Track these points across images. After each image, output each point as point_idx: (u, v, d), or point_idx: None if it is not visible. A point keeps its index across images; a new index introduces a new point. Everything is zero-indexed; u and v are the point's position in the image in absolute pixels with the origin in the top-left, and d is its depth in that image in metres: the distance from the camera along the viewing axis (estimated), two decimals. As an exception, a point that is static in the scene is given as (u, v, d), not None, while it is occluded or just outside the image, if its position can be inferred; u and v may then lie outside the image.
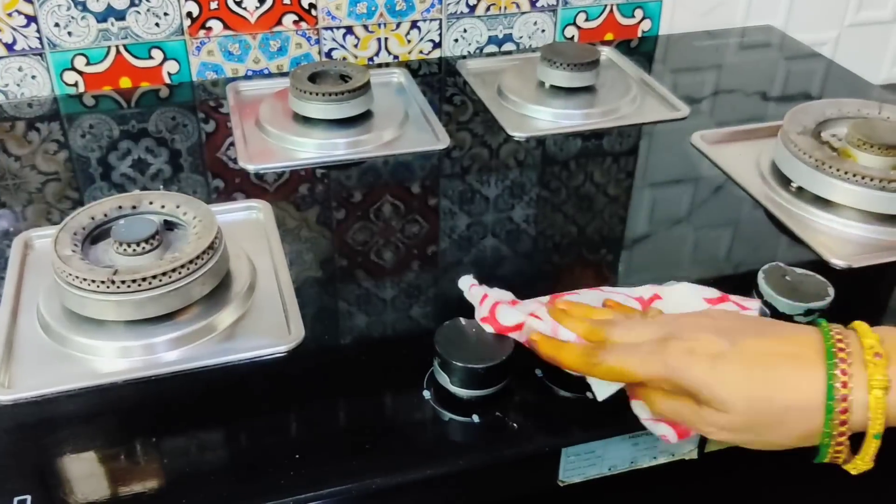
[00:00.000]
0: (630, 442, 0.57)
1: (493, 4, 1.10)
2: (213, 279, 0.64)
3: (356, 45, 1.08)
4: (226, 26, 1.02)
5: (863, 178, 0.76)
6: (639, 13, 1.17)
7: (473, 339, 0.57)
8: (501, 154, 0.90)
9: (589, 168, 0.88)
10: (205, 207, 0.68)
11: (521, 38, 1.14)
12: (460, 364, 0.55)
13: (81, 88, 1.01)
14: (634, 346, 0.50)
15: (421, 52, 1.11)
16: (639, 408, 0.54)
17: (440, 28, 1.10)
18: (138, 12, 0.99)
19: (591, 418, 0.57)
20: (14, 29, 0.96)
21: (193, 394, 0.59)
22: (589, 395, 0.56)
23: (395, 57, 1.10)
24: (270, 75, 1.06)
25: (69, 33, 0.98)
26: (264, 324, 0.65)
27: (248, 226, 0.77)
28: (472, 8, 1.10)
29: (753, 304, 0.58)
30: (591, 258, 0.74)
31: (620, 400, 0.58)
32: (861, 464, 0.47)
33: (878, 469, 0.73)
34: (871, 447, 0.46)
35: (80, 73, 1.00)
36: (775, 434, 0.47)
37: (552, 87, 0.99)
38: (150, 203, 0.69)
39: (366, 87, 0.92)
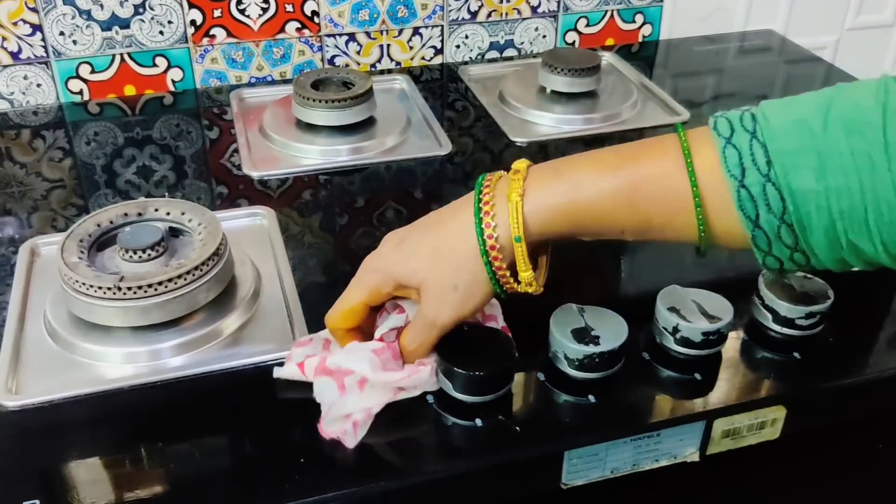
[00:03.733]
0: (632, 444, 0.58)
1: (495, 11, 1.11)
2: (218, 285, 0.65)
3: (359, 52, 1.09)
4: (229, 34, 1.03)
5: (862, 181, 0.76)
6: (639, 18, 1.17)
7: (475, 344, 0.57)
8: (503, 159, 0.90)
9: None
10: (210, 214, 0.68)
11: (522, 43, 1.15)
12: (462, 371, 0.55)
13: (86, 96, 1.02)
14: (351, 283, 0.58)
15: (423, 58, 1.12)
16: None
17: (442, 34, 1.11)
18: (142, 21, 1.00)
19: (593, 421, 0.58)
20: (19, 38, 0.97)
21: (199, 399, 0.59)
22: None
23: (398, 63, 1.11)
24: (274, 82, 1.07)
25: (74, 42, 0.99)
26: (269, 329, 0.65)
27: (252, 232, 0.77)
28: (474, 14, 1.10)
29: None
30: (593, 262, 0.75)
31: (622, 403, 0.59)
32: (523, 275, 0.54)
33: (881, 472, 0.74)
34: (519, 252, 0.52)
35: (84, 81, 1.01)
36: (460, 287, 0.54)
37: (553, 92, 1.00)
38: (156, 210, 0.69)
39: (368, 94, 0.93)
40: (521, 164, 0.54)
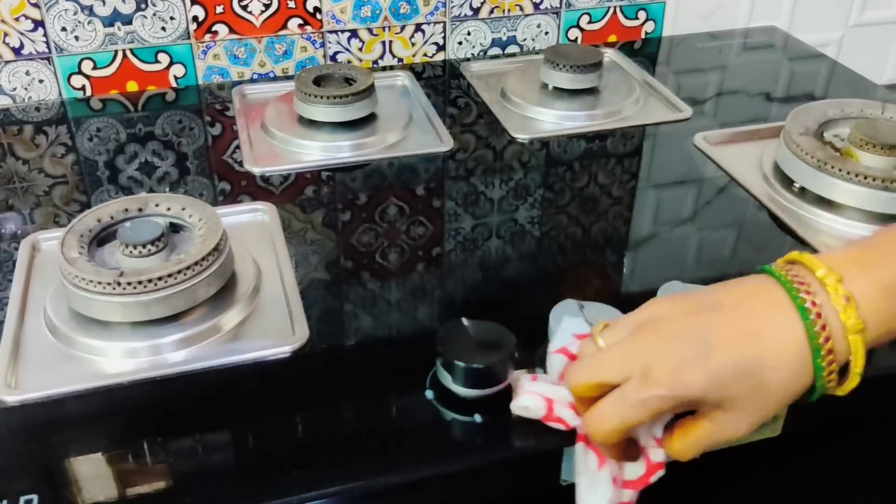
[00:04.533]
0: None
1: (497, 7, 1.11)
2: (219, 281, 0.65)
3: (361, 49, 1.09)
4: (231, 30, 1.03)
5: (865, 178, 0.76)
6: (642, 15, 1.17)
7: (475, 338, 0.57)
8: (505, 156, 0.90)
9: (592, 169, 0.88)
10: (210, 210, 0.68)
11: (524, 40, 1.14)
12: (462, 363, 0.55)
13: (89, 92, 1.02)
14: (622, 397, 0.48)
15: (425, 54, 1.11)
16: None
17: (444, 31, 1.10)
18: (145, 17, 1.00)
19: (593, 418, 0.58)
20: (21, 33, 0.97)
21: (199, 394, 0.60)
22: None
23: (400, 60, 1.11)
24: (276, 78, 1.07)
25: (76, 38, 0.99)
26: (269, 325, 0.65)
27: (253, 228, 0.77)
28: (476, 11, 1.10)
29: None
30: (595, 259, 0.75)
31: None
32: (849, 386, 0.48)
33: (884, 468, 0.73)
34: (854, 381, 0.47)
35: (87, 77, 1.01)
36: (781, 402, 0.47)
37: (555, 88, 1.00)
38: (156, 205, 0.69)
39: (370, 90, 0.93)
40: (822, 266, 0.47)
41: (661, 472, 0.53)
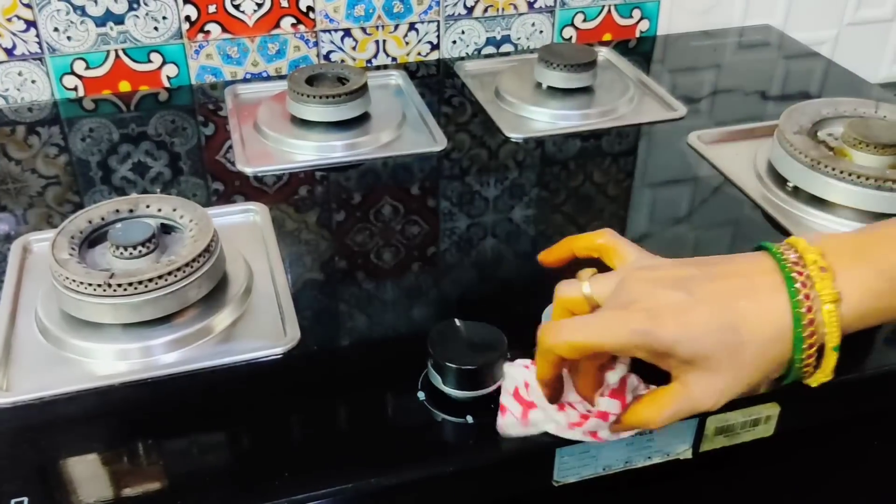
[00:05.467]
0: (624, 442, 0.58)
1: (491, 6, 1.10)
2: (210, 282, 0.65)
3: (354, 48, 1.08)
4: (224, 30, 1.03)
5: (858, 177, 0.76)
6: (637, 13, 1.17)
7: (467, 339, 0.57)
8: (499, 155, 0.90)
9: (587, 169, 0.88)
10: (201, 210, 0.68)
11: (519, 39, 1.14)
12: (453, 365, 0.55)
13: (81, 92, 1.02)
14: (594, 317, 0.48)
15: (419, 53, 1.11)
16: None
17: (438, 30, 1.10)
18: (137, 16, 0.99)
19: (586, 418, 0.58)
20: (14, 34, 0.97)
21: (190, 396, 0.59)
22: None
23: (393, 59, 1.11)
24: (269, 78, 1.07)
25: (68, 38, 0.98)
26: (260, 326, 0.65)
27: (245, 228, 0.77)
28: (470, 9, 1.10)
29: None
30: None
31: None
32: (822, 376, 0.48)
33: (875, 469, 0.73)
34: (831, 360, 0.46)
35: (79, 77, 1.01)
36: (754, 373, 0.47)
37: (550, 88, 1.00)
38: (147, 206, 0.69)
39: (363, 90, 0.93)
40: (813, 251, 0.46)
41: (599, 423, 0.52)
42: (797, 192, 0.80)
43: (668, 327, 0.46)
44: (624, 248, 0.53)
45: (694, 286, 0.47)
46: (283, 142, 0.91)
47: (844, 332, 0.46)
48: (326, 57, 1.08)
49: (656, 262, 0.51)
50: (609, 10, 1.16)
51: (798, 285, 0.46)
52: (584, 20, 1.16)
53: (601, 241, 0.54)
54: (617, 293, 0.48)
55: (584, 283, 0.50)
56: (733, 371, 0.46)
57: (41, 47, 0.98)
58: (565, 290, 0.51)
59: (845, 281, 0.46)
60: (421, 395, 0.58)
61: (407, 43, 1.10)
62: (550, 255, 0.56)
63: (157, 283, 0.61)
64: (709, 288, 0.47)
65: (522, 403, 0.53)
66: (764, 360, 0.46)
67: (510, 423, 0.54)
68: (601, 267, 0.53)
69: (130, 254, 0.64)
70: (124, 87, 1.03)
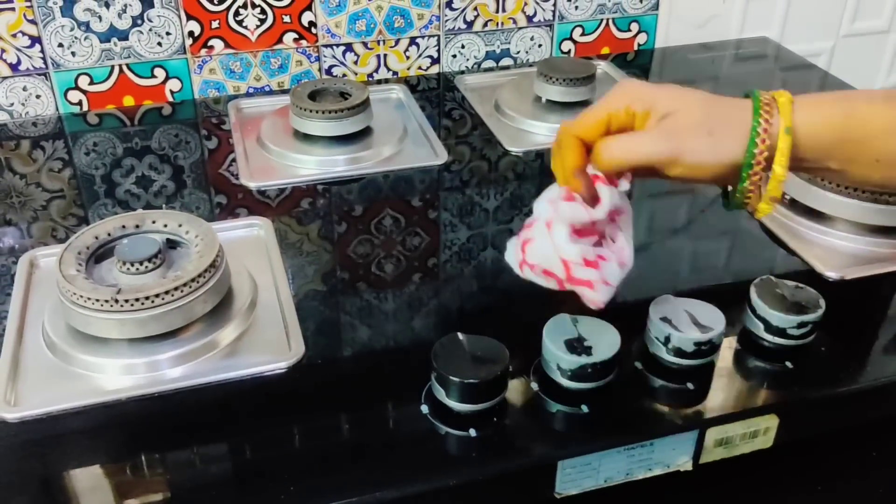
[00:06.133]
0: (625, 454, 0.58)
1: (491, 20, 1.12)
2: (215, 297, 0.65)
3: (356, 62, 1.09)
4: (227, 45, 1.04)
5: (855, 190, 0.77)
6: (634, 27, 1.18)
7: (470, 353, 0.58)
8: (499, 168, 0.91)
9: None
10: (206, 226, 0.69)
11: (518, 53, 1.15)
12: (456, 379, 0.56)
13: (85, 107, 1.03)
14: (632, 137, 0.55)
15: (419, 67, 1.12)
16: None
17: (438, 44, 1.11)
18: (141, 32, 1.00)
19: (587, 431, 0.58)
20: (18, 49, 0.98)
21: (196, 410, 0.60)
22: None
23: (394, 73, 1.12)
24: (272, 92, 1.08)
25: (73, 53, 0.99)
26: (265, 340, 0.66)
27: (249, 242, 0.78)
28: (470, 24, 1.11)
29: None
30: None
31: (615, 413, 0.59)
32: (765, 206, 0.54)
33: (874, 481, 0.74)
34: (783, 144, 0.52)
35: (83, 92, 1.02)
36: (718, 128, 0.53)
37: (549, 101, 1.01)
38: (153, 222, 0.70)
39: (365, 104, 0.94)
40: (785, 95, 0.54)
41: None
42: (794, 205, 0.81)
43: (650, 87, 0.55)
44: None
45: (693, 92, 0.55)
46: (286, 156, 0.91)
47: (796, 155, 0.52)
48: (328, 71, 1.09)
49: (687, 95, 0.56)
50: (607, 24, 1.17)
51: (762, 107, 0.53)
52: (583, 34, 1.17)
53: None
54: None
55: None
56: (697, 123, 0.53)
57: (45, 63, 0.99)
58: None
59: (803, 110, 0.52)
60: (424, 408, 0.59)
61: (408, 57, 1.11)
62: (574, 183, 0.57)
63: (163, 299, 0.62)
64: (702, 94, 0.55)
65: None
66: (724, 129, 0.53)
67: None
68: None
69: (137, 269, 0.65)
70: (128, 101, 1.04)
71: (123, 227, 0.69)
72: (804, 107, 0.53)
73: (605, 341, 0.59)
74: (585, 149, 0.56)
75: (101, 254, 0.68)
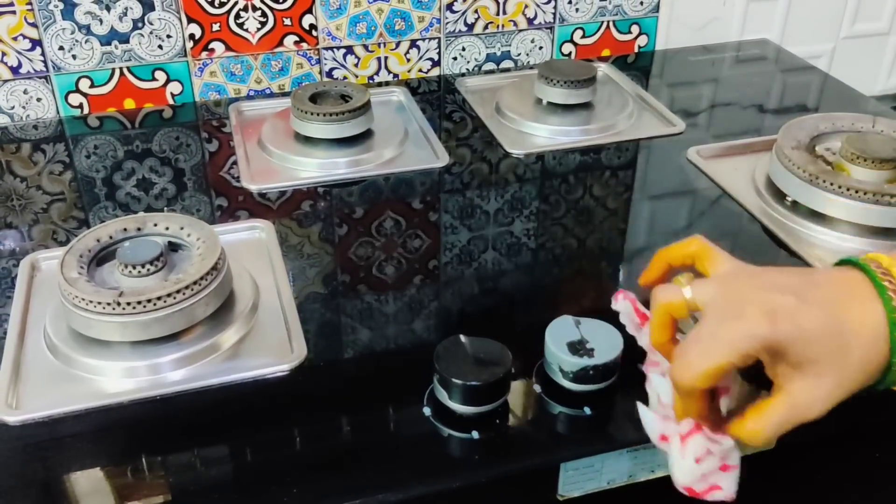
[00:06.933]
0: (628, 456, 0.58)
1: (491, 23, 1.12)
2: (217, 299, 0.65)
3: (356, 65, 1.09)
4: (228, 47, 1.04)
5: (856, 192, 0.77)
6: (635, 29, 1.18)
7: (472, 355, 0.58)
8: (500, 170, 0.91)
9: (586, 184, 0.89)
10: (208, 229, 0.69)
11: (518, 55, 1.15)
12: (459, 381, 0.56)
13: (86, 110, 1.03)
14: (712, 337, 0.48)
15: (420, 70, 1.12)
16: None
17: (439, 46, 1.11)
18: (141, 35, 1.00)
19: (590, 433, 0.58)
20: (19, 52, 0.98)
21: (198, 413, 0.60)
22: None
23: (395, 76, 1.12)
24: (272, 95, 1.08)
25: (73, 56, 0.99)
26: (267, 343, 0.66)
27: (251, 245, 0.78)
28: (471, 26, 1.11)
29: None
30: (589, 274, 0.75)
31: (617, 415, 0.59)
32: None
33: (878, 481, 0.74)
34: None
35: (84, 95, 1.02)
36: (856, 377, 0.47)
37: (549, 103, 1.01)
38: (155, 225, 0.70)
39: (366, 107, 0.94)
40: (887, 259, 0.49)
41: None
42: (796, 207, 0.81)
43: (785, 327, 0.46)
44: (717, 253, 0.54)
45: (802, 291, 0.48)
46: (287, 158, 0.91)
47: None
48: (329, 74, 1.09)
49: (757, 269, 0.51)
50: (608, 26, 1.17)
51: (890, 293, 0.47)
52: (583, 36, 1.17)
53: (694, 247, 0.55)
54: (725, 300, 0.49)
55: (686, 288, 0.50)
56: (838, 375, 0.47)
57: (46, 66, 0.99)
58: (667, 295, 0.51)
59: None
60: (426, 410, 0.59)
61: (408, 60, 1.11)
62: (650, 276, 0.56)
63: (165, 301, 0.62)
64: (816, 293, 0.48)
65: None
66: (866, 363, 0.47)
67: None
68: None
69: (139, 272, 0.64)
70: (129, 104, 1.04)
71: (125, 229, 0.69)
72: None
73: (608, 343, 0.59)
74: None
75: (102, 257, 0.68)
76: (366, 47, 1.09)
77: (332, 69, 1.09)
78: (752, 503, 0.71)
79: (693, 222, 0.83)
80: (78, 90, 1.02)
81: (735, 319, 0.47)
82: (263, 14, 1.03)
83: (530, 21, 1.13)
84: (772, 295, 0.48)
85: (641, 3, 1.16)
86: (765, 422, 0.48)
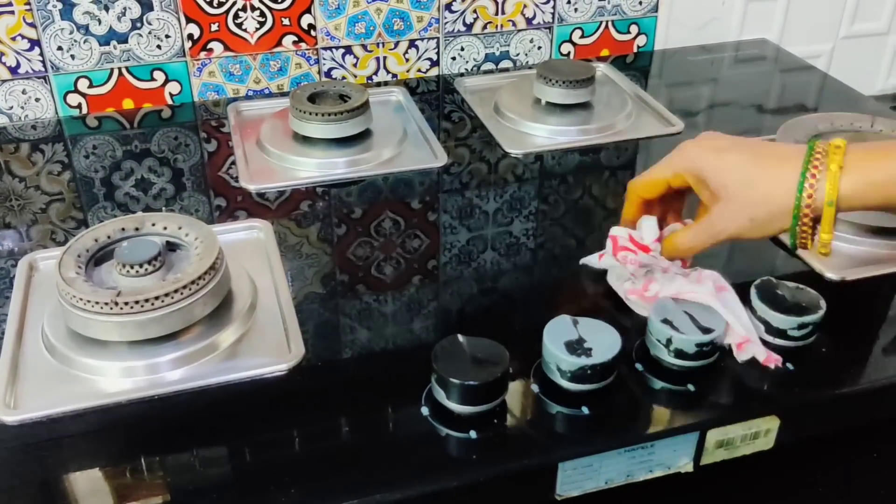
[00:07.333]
0: (626, 455, 0.58)
1: (490, 23, 1.12)
2: (215, 299, 0.65)
3: (355, 65, 1.09)
4: (226, 47, 1.04)
5: (855, 191, 0.77)
6: (634, 29, 1.18)
7: (470, 355, 0.58)
8: (499, 170, 0.91)
9: (585, 184, 0.89)
10: (206, 228, 0.69)
11: (517, 55, 1.15)
12: (457, 381, 0.56)
13: (85, 110, 1.03)
14: (659, 163, 0.65)
15: (419, 70, 1.12)
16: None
17: (438, 46, 1.11)
18: (140, 35, 1.00)
19: (588, 432, 0.58)
20: (18, 52, 0.98)
21: (196, 412, 0.60)
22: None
23: (394, 75, 1.12)
24: (271, 95, 1.08)
25: (72, 56, 0.99)
26: (265, 342, 0.66)
27: (249, 245, 0.78)
28: (469, 26, 1.11)
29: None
30: (587, 274, 0.75)
31: (615, 415, 0.59)
32: (823, 237, 0.58)
33: (875, 482, 0.74)
34: (827, 215, 0.57)
35: (83, 95, 1.02)
36: (757, 210, 0.59)
37: (548, 103, 1.01)
38: (153, 225, 0.70)
39: (364, 107, 0.94)
40: (840, 141, 0.58)
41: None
42: (794, 206, 0.81)
43: (709, 157, 0.61)
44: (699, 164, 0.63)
45: (747, 143, 0.61)
46: (286, 158, 0.91)
47: (841, 202, 0.56)
48: (328, 74, 1.09)
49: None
50: (607, 26, 1.17)
51: (813, 160, 0.57)
52: (582, 36, 1.17)
53: (669, 174, 0.65)
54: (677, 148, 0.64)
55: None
56: (742, 201, 0.59)
57: (45, 66, 0.99)
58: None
59: (853, 163, 0.56)
60: (424, 410, 0.59)
61: (407, 59, 1.11)
62: (629, 215, 0.68)
63: (163, 301, 0.62)
64: (757, 148, 0.61)
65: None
66: (769, 201, 0.58)
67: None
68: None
69: (137, 272, 0.64)
70: (127, 104, 1.04)
71: (123, 229, 0.69)
72: (852, 171, 0.56)
73: (606, 343, 0.59)
74: (645, 203, 0.67)
75: (100, 256, 0.68)
76: (364, 47, 1.09)
77: (330, 69, 1.09)
78: (752, 502, 0.71)
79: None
80: (76, 90, 1.02)
81: (678, 151, 0.64)
82: (262, 14, 1.03)
83: (529, 21, 1.13)
84: (719, 141, 0.62)
85: (640, 3, 1.16)
86: (687, 234, 0.64)
